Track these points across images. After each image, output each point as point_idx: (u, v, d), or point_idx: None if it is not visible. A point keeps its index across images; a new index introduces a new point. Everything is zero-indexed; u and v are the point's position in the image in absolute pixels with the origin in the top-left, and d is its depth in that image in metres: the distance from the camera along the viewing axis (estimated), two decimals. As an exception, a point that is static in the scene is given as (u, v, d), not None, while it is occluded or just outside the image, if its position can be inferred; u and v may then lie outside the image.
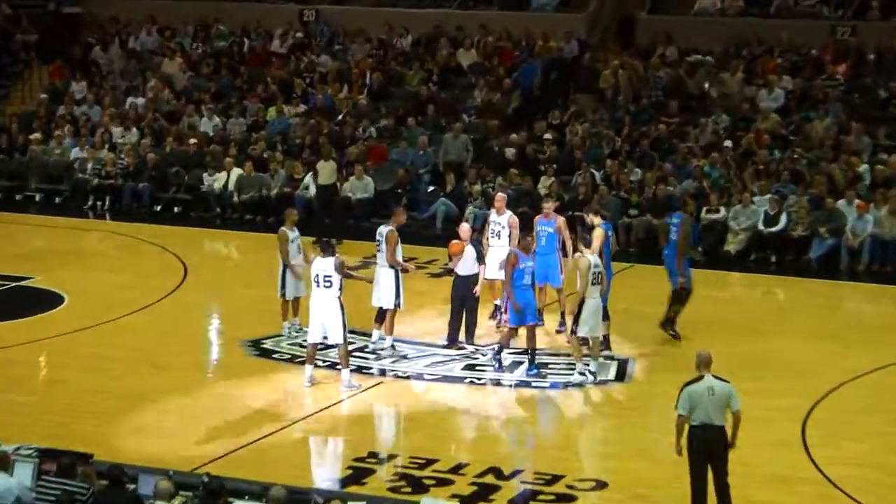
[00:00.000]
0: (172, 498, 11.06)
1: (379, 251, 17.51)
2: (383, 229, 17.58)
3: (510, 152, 26.82)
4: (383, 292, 17.37)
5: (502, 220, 18.58)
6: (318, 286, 16.00)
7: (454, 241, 17.93)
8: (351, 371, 16.21)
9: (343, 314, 15.90)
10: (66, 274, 22.10)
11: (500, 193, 19.85)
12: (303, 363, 16.43)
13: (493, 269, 17.88)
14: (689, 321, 19.38)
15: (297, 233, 18.24)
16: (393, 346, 17.49)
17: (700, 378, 12.17)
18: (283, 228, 18.26)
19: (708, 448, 12.05)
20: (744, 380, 16.34)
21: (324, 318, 15.95)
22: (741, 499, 12.90)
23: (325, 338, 16.16)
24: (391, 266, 17.39)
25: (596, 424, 15.73)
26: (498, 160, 26.73)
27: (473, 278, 17.70)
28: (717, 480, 12.09)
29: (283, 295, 18.10)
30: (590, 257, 16.36)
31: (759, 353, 17.60)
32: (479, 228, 20.35)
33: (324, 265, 16.00)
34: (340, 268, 15.98)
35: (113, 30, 34.44)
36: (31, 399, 16.07)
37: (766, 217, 23.58)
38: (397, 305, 17.38)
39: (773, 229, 23.48)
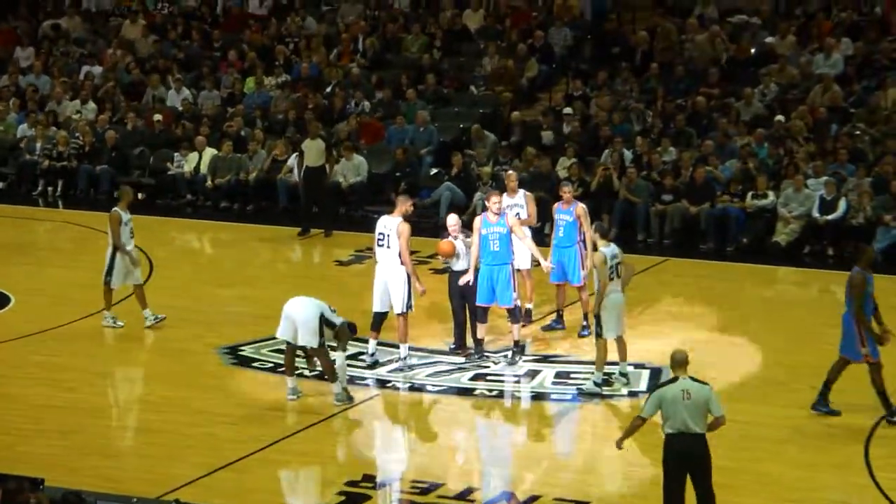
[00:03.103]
0: (136, 529, 11.09)
1: (381, 247, 17.18)
2: (390, 221, 17.18)
3: (547, 137, 26.67)
4: (394, 295, 17.10)
5: (518, 202, 18.62)
6: None
7: (443, 241, 17.79)
8: (342, 382, 16.19)
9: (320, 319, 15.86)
10: (11, 270, 22.14)
11: (511, 171, 20.02)
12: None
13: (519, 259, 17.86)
14: (730, 323, 19.37)
15: (129, 215, 18.70)
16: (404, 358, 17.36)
17: (674, 380, 12.18)
18: (116, 209, 18.78)
19: (687, 458, 12.05)
20: (798, 391, 16.42)
21: (297, 318, 15.86)
22: (796, 528, 12.93)
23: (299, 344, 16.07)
24: (401, 264, 17.09)
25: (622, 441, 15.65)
26: (532, 138, 26.60)
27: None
28: (701, 494, 12.08)
29: (108, 283, 18.56)
30: (605, 249, 16.35)
31: (815, 361, 17.55)
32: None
33: None
34: None
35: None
36: (-28, 415, 16.10)
37: (821, 203, 23.55)
38: (409, 308, 17.20)
39: (831, 217, 23.45)
